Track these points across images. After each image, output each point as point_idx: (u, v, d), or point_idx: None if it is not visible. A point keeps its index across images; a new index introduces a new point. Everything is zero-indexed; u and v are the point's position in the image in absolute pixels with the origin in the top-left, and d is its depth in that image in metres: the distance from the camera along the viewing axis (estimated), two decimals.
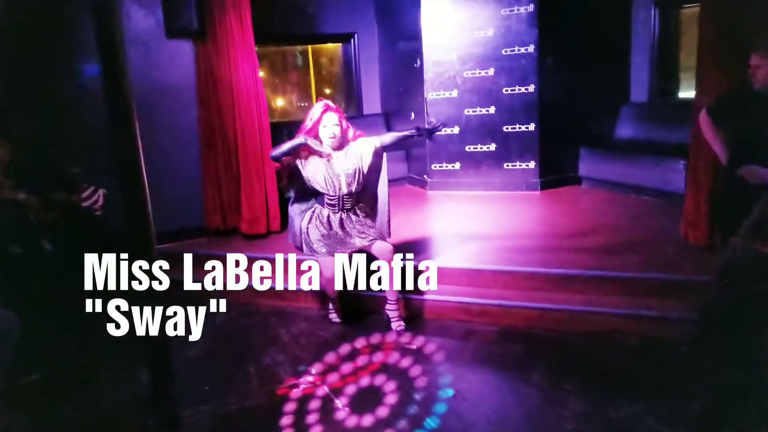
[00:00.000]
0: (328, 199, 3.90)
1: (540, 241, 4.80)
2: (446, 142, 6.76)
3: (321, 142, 3.85)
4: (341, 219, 3.91)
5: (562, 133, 6.52)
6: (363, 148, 3.92)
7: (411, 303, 4.20)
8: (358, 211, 3.97)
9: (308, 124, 3.85)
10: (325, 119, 3.82)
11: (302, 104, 9.82)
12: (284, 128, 7.17)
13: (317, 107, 3.86)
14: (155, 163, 5.31)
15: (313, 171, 3.88)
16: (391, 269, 3.77)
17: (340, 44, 7.84)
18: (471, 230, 5.23)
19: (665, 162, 5.64)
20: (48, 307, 3.66)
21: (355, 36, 7.63)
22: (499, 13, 6.32)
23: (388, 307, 3.96)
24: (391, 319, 3.95)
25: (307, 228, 3.95)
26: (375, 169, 4.00)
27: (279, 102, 8.23)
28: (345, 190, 3.87)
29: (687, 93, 6.81)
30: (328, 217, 3.92)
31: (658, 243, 4.53)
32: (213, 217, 5.55)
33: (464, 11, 6.45)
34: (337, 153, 3.89)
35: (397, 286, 3.84)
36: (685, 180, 4.38)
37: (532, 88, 6.35)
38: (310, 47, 9.72)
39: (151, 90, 5.19)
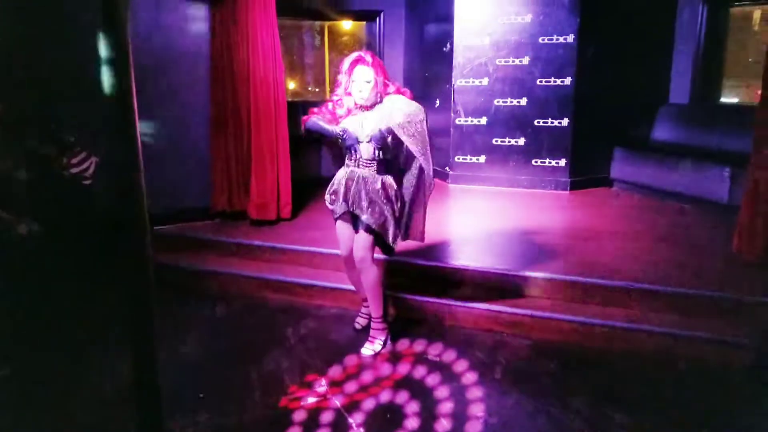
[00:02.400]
0: (348, 158, 3.31)
1: (574, 246, 4.39)
2: (472, 133, 6.34)
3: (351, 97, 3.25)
4: (358, 179, 3.25)
5: (597, 131, 6.10)
6: (395, 106, 3.18)
7: (432, 307, 3.81)
8: (381, 184, 3.23)
9: (339, 78, 3.26)
10: (355, 73, 3.19)
11: (314, 89, 9.43)
12: (300, 107, 6.80)
13: (349, 58, 3.24)
14: (158, 135, 5.01)
15: (344, 124, 3.30)
16: (361, 271, 3.30)
17: (363, 23, 7.41)
18: (498, 230, 4.83)
19: (709, 168, 5.22)
20: (27, 293, 3.28)
21: (381, 14, 7.18)
22: None
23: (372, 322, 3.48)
24: (368, 339, 3.45)
25: (329, 186, 3.41)
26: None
27: (290, 85, 7.79)
28: (364, 154, 3.23)
29: (729, 98, 6.41)
30: (348, 174, 3.30)
31: (707, 256, 4.12)
32: (219, 199, 5.14)
33: None
34: (369, 112, 3.25)
35: (374, 297, 3.37)
36: (744, 191, 3.94)
37: (568, 80, 5.92)
38: (326, 28, 9.32)
39: (160, 54, 4.77)
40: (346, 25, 9.00)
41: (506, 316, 3.67)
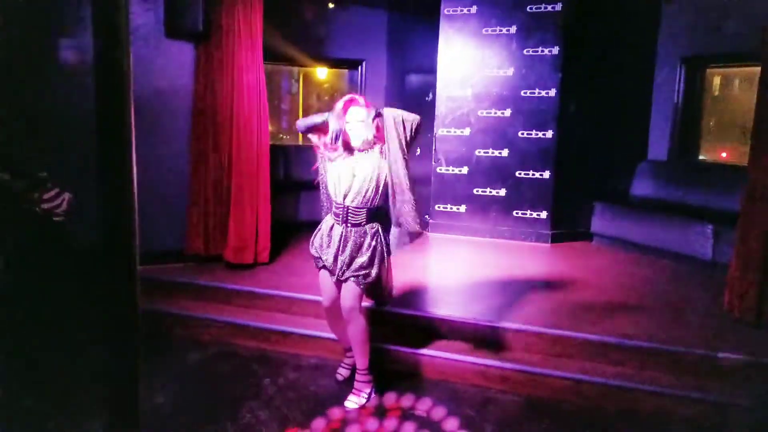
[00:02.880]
0: (335, 207, 3.14)
1: (562, 299, 4.29)
2: (453, 183, 6.30)
3: (349, 143, 3.11)
4: (343, 235, 3.10)
5: (578, 185, 6.12)
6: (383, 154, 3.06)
7: (417, 359, 3.64)
8: (370, 237, 3.10)
9: (329, 120, 3.11)
10: (349, 114, 3.07)
11: (286, 136, 9.38)
12: (280, 151, 6.70)
13: (341, 100, 3.12)
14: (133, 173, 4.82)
15: (330, 168, 3.15)
16: (348, 321, 3.16)
17: (340, 72, 7.43)
18: (481, 281, 4.72)
19: (692, 225, 5.24)
20: None
21: (363, 63, 7.21)
22: (521, 53, 5.97)
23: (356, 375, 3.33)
24: (352, 392, 3.28)
25: (313, 237, 3.26)
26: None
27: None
28: (351, 201, 3.06)
29: (706, 155, 6.53)
30: (332, 227, 3.16)
31: (697, 313, 4.06)
32: (195, 242, 4.93)
33: (484, 48, 6.08)
34: (361, 154, 3.10)
35: (361, 348, 3.23)
36: (735, 248, 3.93)
37: (550, 134, 5.96)
38: (301, 76, 9.37)
39: (141, 92, 4.62)
40: (321, 74, 9.08)
41: (494, 370, 3.53)
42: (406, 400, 3.22)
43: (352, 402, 3.19)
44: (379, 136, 3.09)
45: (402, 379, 3.50)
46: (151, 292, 4.40)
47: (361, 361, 3.22)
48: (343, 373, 3.51)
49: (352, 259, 3.07)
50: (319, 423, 2.99)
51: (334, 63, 7.44)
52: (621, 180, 6.46)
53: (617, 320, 3.87)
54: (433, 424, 3.05)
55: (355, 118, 3.07)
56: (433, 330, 3.84)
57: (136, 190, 1.52)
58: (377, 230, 3.12)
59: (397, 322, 3.92)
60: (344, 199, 3.07)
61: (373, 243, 3.09)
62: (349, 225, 3.08)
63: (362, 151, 3.10)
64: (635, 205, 6.08)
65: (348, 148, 3.11)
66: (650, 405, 3.28)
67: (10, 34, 4.36)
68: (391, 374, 3.52)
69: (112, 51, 1.44)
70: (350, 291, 3.09)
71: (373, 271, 3.08)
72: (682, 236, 5.33)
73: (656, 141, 6.48)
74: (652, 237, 5.60)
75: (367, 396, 3.22)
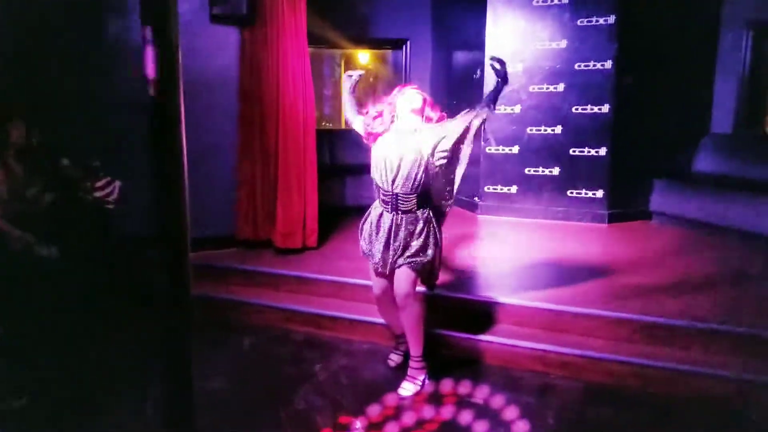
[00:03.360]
0: (383, 194, 2.99)
1: (624, 281, 4.09)
2: (503, 162, 6.11)
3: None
4: (394, 223, 2.96)
5: (636, 162, 5.83)
6: (434, 132, 2.93)
7: (471, 344, 3.52)
8: (423, 223, 2.96)
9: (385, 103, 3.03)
10: (406, 92, 2.99)
11: (326, 123, 9.31)
12: (325, 135, 6.64)
13: (397, 88, 3.07)
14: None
15: (375, 149, 3.02)
16: (403, 308, 3.04)
17: (381, 57, 7.30)
18: (536, 263, 4.55)
19: (761, 200, 4.93)
20: (46, 323, 3.09)
21: (408, 43, 7.06)
22: (574, 23, 5.70)
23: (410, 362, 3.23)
24: (406, 378, 3.18)
25: (362, 224, 3.16)
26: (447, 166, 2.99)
27: None
28: (400, 187, 2.90)
29: None
30: (381, 216, 3.02)
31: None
32: (244, 227, 4.93)
33: (535, 20, 5.84)
34: (406, 133, 2.94)
35: (416, 335, 3.13)
36: None
37: (606, 108, 5.69)
38: (343, 58, 9.26)
39: (186, 79, 4.59)
40: (363, 58, 8.96)
41: (554, 355, 3.38)
42: (463, 387, 3.11)
43: (407, 389, 3.10)
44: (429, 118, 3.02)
45: (457, 365, 3.39)
46: (202, 277, 4.42)
47: (416, 347, 3.13)
48: (395, 359, 3.43)
49: (406, 245, 2.95)
50: (373, 410, 2.91)
51: (378, 44, 7.32)
52: (682, 155, 6.12)
53: (682, 301, 3.66)
54: (491, 411, 2.94)
55: (409, 103, 2.96)
56: (488, 314, 3.71)
57: (186, 177, 1.52)
58: (428, 215, 2.99)
59: (450, 307, 3.81)
60: (392, 185, 2.92)
61: (426, 227, 2.97)
62: (399, 213, 2.95)
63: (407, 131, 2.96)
64: (698, 182, 5.76)
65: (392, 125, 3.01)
66: (721, 391, 3.08)
67: (61, 22, 4.43)
68: (445, 360, 3.42)
69: (162, 36, 1.43)
70: (405, 277, 2.98)
71: (429, 254, 2.97)
72: (750, 213, 5.01)
73: (720, 113, 6.13)
74: (717, 214, 5.29)
75: (421, 383, 3.13)
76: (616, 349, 3.37)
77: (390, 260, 3.00)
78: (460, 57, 6.64)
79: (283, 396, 3.11)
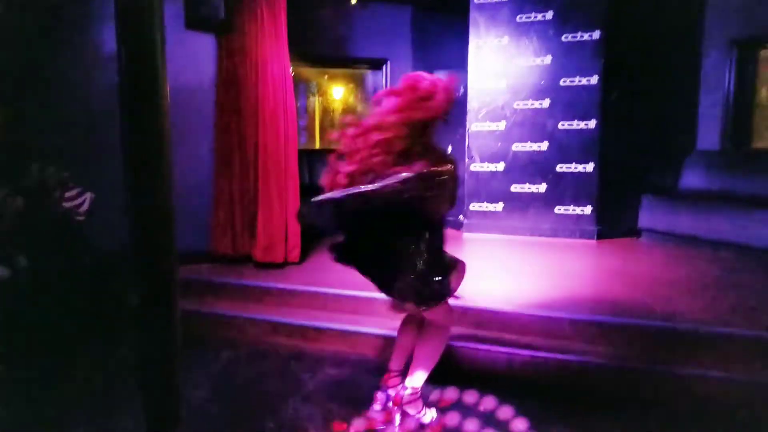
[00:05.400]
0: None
1: (623, 291, 3.90)
2: (488, 180, 5.97)
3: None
4: None
5: (624, 178, 5.74)
6: None
7: (467, 353, 3.28)
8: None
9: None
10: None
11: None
12: (303, 155, 6.44)
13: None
14: None
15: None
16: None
17: (354, 87, 7.21)
18: (528, 276, 4.34)
19: (753, 214, 4.84)
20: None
21: (387, 62, 6.96)
22: (559, 40, 5.66)
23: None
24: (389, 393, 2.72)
25: None
26: None
27: None
28: None
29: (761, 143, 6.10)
30: None
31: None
32: (221, 241, 4.66)
33: (519, 36, 5.79)
34: None
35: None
36: None
37: (593, 123, 5.61)
38: (317, 89, 9.21)
39: None
40: (337, 93, 8.92)
41: (553, 362, 3.15)
42: (468, 396, 2.86)
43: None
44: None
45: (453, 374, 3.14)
46: (181, 292, 4.13)
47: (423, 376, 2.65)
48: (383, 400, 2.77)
49: None
50: (362, 421, 2.64)
51: (357, 63, 7.21)
52: (669, 172, 6.05)
53: (684, 307, 3.48)
54: (490, 417, 2.68)
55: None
56: (480, 324, 3.49)
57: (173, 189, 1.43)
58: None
59: None
60: None
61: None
62: None
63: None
64: (686, 198, 5.67)
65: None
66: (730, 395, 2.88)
67: (36, 28, 4.23)
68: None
69: (143, 44, 1.37)
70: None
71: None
72: (741, 226, 4.92)
73: (706, 130, 6.09)
74: (708, 229, 5.19)
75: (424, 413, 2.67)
76: (619, 355, 3.16)
77: None
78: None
79: (270, 407, 2.83)
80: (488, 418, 2.70)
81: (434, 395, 2.88)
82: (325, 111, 9.95)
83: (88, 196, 3.99)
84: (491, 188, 5.98)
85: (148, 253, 1.40)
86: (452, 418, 2.66)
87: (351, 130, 2.40)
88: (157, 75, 1.38)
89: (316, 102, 9.87)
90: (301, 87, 9.59)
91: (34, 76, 4.21)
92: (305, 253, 4.72)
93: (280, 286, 4.03)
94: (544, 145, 5.79)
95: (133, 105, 1.36)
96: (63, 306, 3.43)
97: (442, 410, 2.75)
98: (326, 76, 9.49)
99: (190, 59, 4.66)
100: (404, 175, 2.19)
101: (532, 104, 5.80)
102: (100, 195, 3.96)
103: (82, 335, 3.44)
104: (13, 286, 3.41)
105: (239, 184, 4.65)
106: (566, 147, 5.72)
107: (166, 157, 1.40)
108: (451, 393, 2.91)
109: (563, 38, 5.64)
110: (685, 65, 6.10)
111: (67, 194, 3.92)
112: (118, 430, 2.57)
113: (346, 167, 2.36)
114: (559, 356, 3.17)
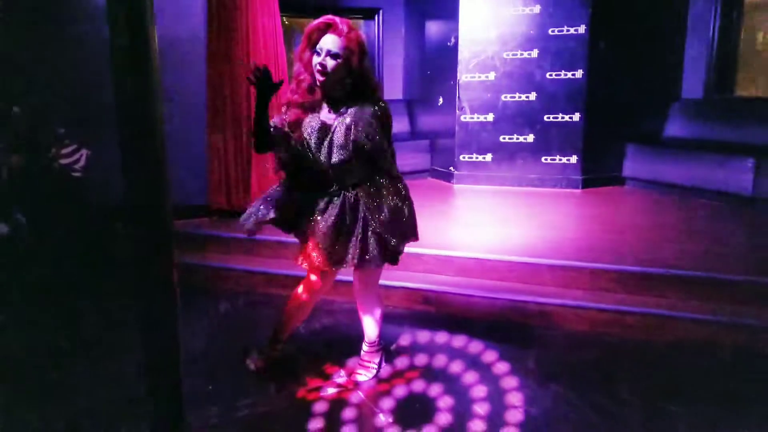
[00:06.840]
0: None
1: (600, 237, 4.11)
2: (478, 131, 6.09)
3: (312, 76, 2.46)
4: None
5: (609, 127, 5.86)
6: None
7: (453, 298, 3.50)
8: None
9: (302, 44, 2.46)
10: (323, 41, 2.39)
11: None
12: None
13: (315, 22, 2.43)
14: None
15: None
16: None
17: (359, 21, 7.20)
18: (514, 225, 4.53)
19: (730, 161, 5.00)
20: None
21: (380, 12, 6.96)
22: None
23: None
24: (360, 365, 2.82)
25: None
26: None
27: None
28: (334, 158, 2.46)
29: (743, 91, 6.20)
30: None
31: (748, 246, 3.86)
32: (217, 196, 4.81)
33: None
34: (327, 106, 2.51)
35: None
36: None
37: (580, 73, 5.70)
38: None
39: None
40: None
41: (533, 306, 3.37)
42: (440, 337, 3.09)
43: (363, 375, 2.77)
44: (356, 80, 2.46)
45: (431, 316, 3.37)
46: (179, 245, 4.32)
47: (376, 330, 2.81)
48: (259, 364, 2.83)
49: None
50: (355, 361, 2.87)
51: (349, 13, 7.19)
52: (654, 121, 6.18)
53: (660, 253, 3.69)
54: (470, 356, 2.92)
55: (329, 44, 2.39)
56: (467, 269, 3.70)
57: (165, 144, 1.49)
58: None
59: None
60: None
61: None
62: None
63: (334, 99, 2.50)
64: (670, 146, 5.82)
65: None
66: (696, 334, 3.11)
67: None
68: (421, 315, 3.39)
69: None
70: None
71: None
72: (720, 173, 5.09)
73: (691, 79, 6.18)
74: (689, 176, 5.36)
75: (377, 366, 2.81)
76: (594, 298, 3.38)
77: None
78: (435, 25, 6.57)
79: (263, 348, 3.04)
80: (473, 361, 2.92)
81: (418, 337, 3.10)
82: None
83: (84, 152, 4.12)
84: (481, 139, 6.10)
85: (142, 208, 1.45)
86: (439, 361, 2.89)
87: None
88: (147, 31, 1.38)
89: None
90: (295, 38, 9.54)
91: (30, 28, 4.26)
92: None
93: (275, 238, 4.20)
94: (532, 96, 5.88)
95: (123, 61, 1.36)
96: (63, 262, 3.59)
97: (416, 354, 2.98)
98: None
99: (180, 9, 4.67)
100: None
101: (521, 54, 5.86)
102: (100, 151, 4.08)
103: (80, 290, 3.60)
104: (12, 243, 3.56)
105: (232, 139, 4.76)
106: (554, 97, 5.81)
107: (158, 114, 1.42)
108: (439, 337, 3.13)
109: None
110: (673, 14, 6.13)
111: (63, 151, 4.05)
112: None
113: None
114: (539, 299, 3.39)
